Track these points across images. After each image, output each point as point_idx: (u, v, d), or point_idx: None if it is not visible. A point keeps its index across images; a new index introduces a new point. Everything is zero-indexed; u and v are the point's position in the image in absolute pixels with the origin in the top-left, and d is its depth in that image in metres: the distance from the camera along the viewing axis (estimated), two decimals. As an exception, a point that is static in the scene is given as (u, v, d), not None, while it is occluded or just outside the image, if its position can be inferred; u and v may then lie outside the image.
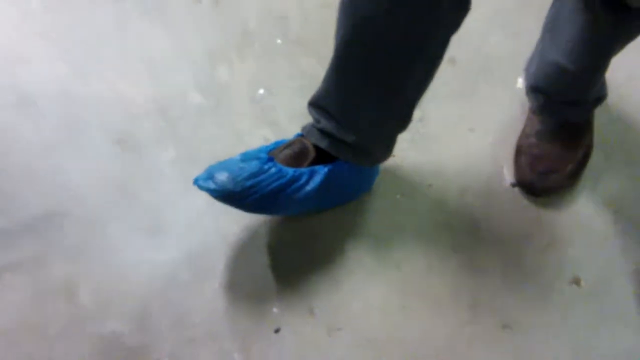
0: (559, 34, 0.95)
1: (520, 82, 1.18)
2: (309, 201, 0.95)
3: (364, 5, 0.76)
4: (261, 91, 1.21)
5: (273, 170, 0.92)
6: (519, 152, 1.08)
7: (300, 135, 0.97)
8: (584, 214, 1.04)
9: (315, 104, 0.93)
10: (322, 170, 0.95)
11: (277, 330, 0.94)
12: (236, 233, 1.03)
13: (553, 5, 0.97)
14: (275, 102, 1.18)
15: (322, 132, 0.93)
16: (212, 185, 0.88)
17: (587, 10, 0.88)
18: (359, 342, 0.92)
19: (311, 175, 0.94)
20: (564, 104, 1.03)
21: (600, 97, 1.05)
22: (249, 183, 0.89)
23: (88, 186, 1.06)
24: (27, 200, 1.02)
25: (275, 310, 0.95)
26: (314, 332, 0.93)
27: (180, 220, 1.04)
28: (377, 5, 0.74)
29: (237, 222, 1.03)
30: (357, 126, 0.91)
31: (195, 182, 0.89)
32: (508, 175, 1.09)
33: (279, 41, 1.26)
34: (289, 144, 0.96)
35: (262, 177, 0.91)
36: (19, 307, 0.93)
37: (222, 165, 0.92)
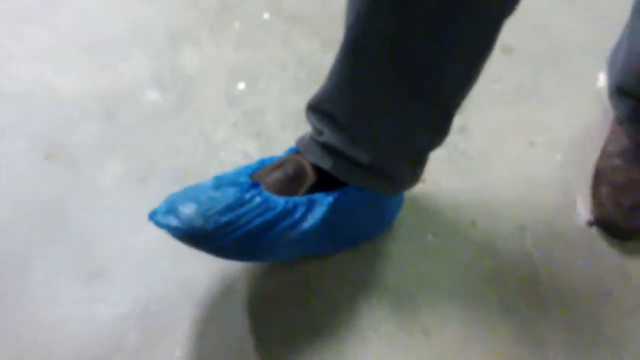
0: None
1: (602, 80, 1.21)
2: (306, 243, 0.95)
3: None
4: (241, 86, 1.24)
5: (257, 200, 0.93)
6: (598, 178, 1.10)
7: (295, 152, 0.98)
8: None
9: (317, 108, 0.95)
10: (324, 201, 0.95)
11: None
12: (204, 283, 1.05)
13: None
14: (261, 102, 1.21)
15: (326, 147, 0.95)
16: (174, 222, 0.89)
17: None
18: None
19: (310, 207, 0.95)
20: None
21: None
22: (224, 219, 0.90)
23: (6, 215, 1.09)
24: None
25: None
26: None
27: (128, 262, 1.06)
28: None
29: (206, 268, 1.05)
30: (374, 139, 0.92)
31: (152, 217, 0.90)
32: (583, 209, 1.11)
33: (266, 16, 1.31)
34: (279, 164, 0.97)
35: (243, 210, 0.92)
36: None
37: (188, 194, 0.92)
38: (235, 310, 1.05)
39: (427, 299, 1.04)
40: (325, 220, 0.96)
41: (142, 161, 1.16)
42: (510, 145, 1.16)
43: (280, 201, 0.94)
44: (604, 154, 1.11)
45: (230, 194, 0.93)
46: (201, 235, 0.90)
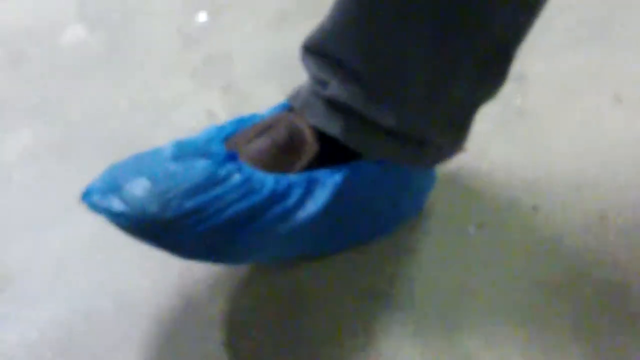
0: None
1: None
2: (301, 239, 0.94)
3: None
4: (202, 16, 1.27)
5: (237, 178, 0.90)
6: None
7: (286, 109, 0.97)
8: None
9: (318, 51, 0.94)
10: (329, 180, 0.94)
11: None
12: (153, 296, 1.02)
13: None
14: (230, 41, 1.23)
15: (333, 104, 0.93)
16: (118, 206, 0.86)
17: None
18: None
19: (309, 188, 0.93)
20: None
21: None
22: (189, 204, 0.87)
23: None
24: None
25: None
26: None
27: (43, 268, 1.04)
28: None
29: (156, 274, 1.03)
30: (399, 92, 0.91)
31: (86, 197, 0.88)
32: None
33: None
34: (264, 127, 0.96)
35: (216, 192, 0.89)
36: None
37: (138, 166, 0.91)
38: (198, 332, 1.02)
39: (468, 314, 1.01)
40: (329, 207, 0.95)
41: (60, 126, 1.16)
42: (586, 102, 1.15)
43: (268, 180, 0.93)
44: None
45: (197, 170, 0.91)
46: (156, 226, 0.88)
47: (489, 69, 0.93)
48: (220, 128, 0.98)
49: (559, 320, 1.01)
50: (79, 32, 1.20)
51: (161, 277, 1.06)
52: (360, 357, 0.98)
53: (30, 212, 1.10)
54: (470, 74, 0.92)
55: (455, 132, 0.99)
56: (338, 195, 0.95)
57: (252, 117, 1.00)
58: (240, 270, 1.05)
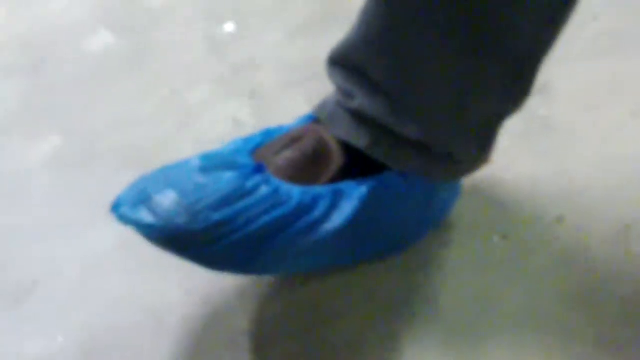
0: None
1: None
2: (329, 250, 0.95)
3: None
4: (229, 27, 1.29)
5: (264, 190, 0.92)
6: None
7: (312, 121, 0.98)
8: None
9: (344, 63, 0.94)
10: (355, 193, 0.95)
11: None
12: (177, 307, 1.03)
13: None
14: (256, 50, 1.25)
15: (359, 117, 0.94)
16: (147, 218, 0.88)
17: None
18: None
19: (335, 201, 0.95)
20: None
21: None
22: (217, 216, 0.88)
23: None
24: None
25: None
26: None
27: (67, 277, 1.05)
28: None
29: (181, 285, 1.03)
30: (426, 104, 0.92)
31: (116, 209, 0.90)
32: None
33: None
34: (292, 139, 0.97)
35: (243, 204, 0.91)
36: None
37: (166, 178, 0.92)
38: (225, 341, 1.02)
39: (494, 324, 1.01)
40: (355, 219, 0.96)
41: (83, 135, 1.17)
42: (609, 114, 1.15)
43: (294, 192, 0.94)
44: None
45: (225, 182, 0.93)
46: (185, 238, 0.90)
47: (515, 82, 0.94)
48: (247, 139, 0.99)
49: (583, 332, 1.01)
50: (105, 38, 1.23)
51: (188, 286, 1.06)
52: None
53: (55, 220, 1.10)
54: (496, 87, 0.93)
55: (481, 144, 1.00)
56: (364, 207, 0.96)
57: (279, 129, 1.01)
58: (266, 280, 1.06)
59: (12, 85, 1.21)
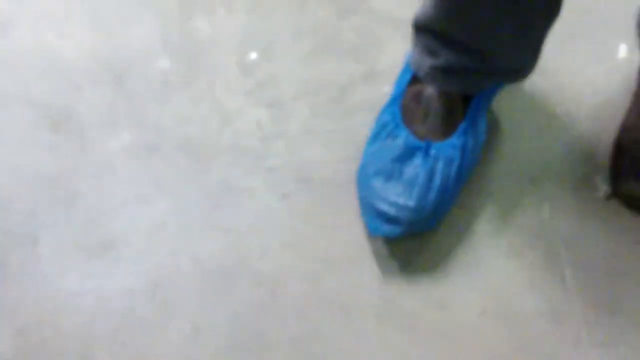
0: None
1: (623, 50, 1.27)
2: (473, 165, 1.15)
3: None
4: (254, 55, 1.31)
5: (440, 164, 1.09)
6: (618, 150, 1.15)
7: (413, 78, 1.13)
8: None
9: (429, 29, 1.05)
10: (481, 114, 1.13)
11: None
12: (214, 254, 1.12)
13: None
14: (274, 72, 1.28)
15: (448, 71, 1.07)
16: (394, 229, 1.06)
17: None
18: None
19: (475, 125, 1.12)
20: None
21: None
22: (431, 197, 1.07)
23: (11, 187, 1.17)
24: None
25: None
26: None
27: (138, 235, 1.14)
28: None
29: (216, 238, 1.13)
30: (496, 49, 1.03)
31: (374, 232, 1.08)
32: (602, 182, 1.16)
33: None
34: (427, 107, 1.12)
35: (435, 180, 1.08)
36: None
37: (375, 193, 1.08)
38: (251, 284, 1.11)
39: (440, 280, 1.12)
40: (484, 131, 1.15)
41: (152, 131, 1.23)
42: (530, 119, 1.23)
43: (454, 145, 1.10)
44: (627, 125, 1.17)
45: (417, 168, 1.08)
46: (419, 223, 1.08)
47: (554, 5, 1.00)
48: (387, 118, 1.14)
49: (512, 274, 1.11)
50: (164, 60, 1.29)
51: (223, 244, 1.15)
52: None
53: (128, 195, 1.19)
54: (541, 15, 1.01)
55: (535, 57, 1.09)
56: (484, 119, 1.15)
57: (391, 109, 1.15)
58: (294, 223, 1.17)
59: (100, 93, 1.28)
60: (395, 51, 1.31)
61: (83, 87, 1.27)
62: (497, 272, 1.12)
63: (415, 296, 1.11)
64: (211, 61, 1.30)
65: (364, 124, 1.24)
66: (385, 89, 1.28)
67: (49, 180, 1.18)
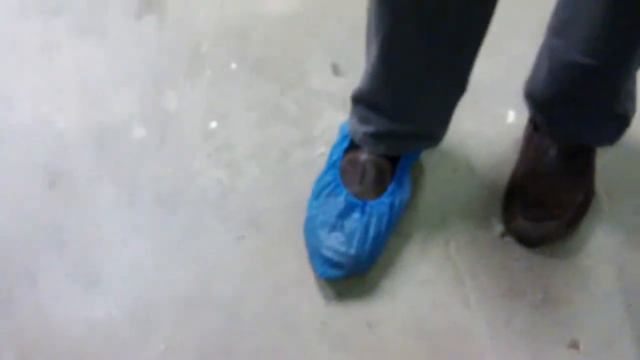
0: (575, 29, 1.03)
1: (512, 116, 1.35)
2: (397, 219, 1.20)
3: None
4: (213, 124, 1.36)
5: (375, 216, 1.13)
6: (510, 196, 1.23)
7: (350, 145, 1.18)
8: (583, 268, 1.19)
9: (363, 102, 1.10)
10: (405, 175, 1.19)
11: None
12: (186, 286, 1.17)
13: (560, 7, 1.06)
14: (230, 137, 1.34)
15: (377, 136, 1.12)
16: (338, 272, 1.12)
17: None
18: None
19: (401, 184, 1.18)
20: (586, 121, 1.15)
21: (627, 114, 1.14)
22: (367, 247, 1.13)
23: (12, 231, 1.21)
24: None
25: None
26: None
27: (121, 270, 1.19)
28: None
29: (185, 273, 1.18)
30: (418, 118, 1.08)
31: (322, 275, 1.12)
32: (497, 223, 1.23)
33: (234, 66, 1.43)
34: (362, 171, 1.16)
35: (381, 231, 1.13)
36: None
37: (317, 241, 1.13)
38: (215, 308, 1.15)
39: (370, 299, 1.17)
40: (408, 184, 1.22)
41: (130, 186, 1.27)
42: (438, 173, 1.28)
43: (385, 203, 1.14)
44: (515, 176, 1.24)
45: (355, 224, 1.12)
46: (357, 267, 1.13)
47: (462, 86, 1.07)
48: (327, 179, 1.17)
49: (425, 302, 1.16)
50: (140, 129, 1.34)
51: (191, 273, 1.20)
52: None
53: (111, 238, 1.24)
54: (452, 93, 1.08)
55: (446, 126, 1.15)
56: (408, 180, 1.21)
57: (331, 166, 1.20)
58: (245, 264, 1.21)
59: (88, 156, 1.30)
60: (328, 120, 1.37)
61: (74, 151, 1.31)
62: (414, 297, 1.18)
63: (348, 318, 1.16)
64: (179, 129, 1.35)
65: (303, 180, 1.28)
66: (320, 150, 1.34)
67: (45, 226, 1.22)
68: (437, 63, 1.02)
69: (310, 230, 1.18)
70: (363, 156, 1.18)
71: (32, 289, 1.16)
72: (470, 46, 1.02)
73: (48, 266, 1.19)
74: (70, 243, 1.21)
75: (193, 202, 1.28)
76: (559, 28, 1.09)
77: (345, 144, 1.22)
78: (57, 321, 1.13)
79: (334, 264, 1.13)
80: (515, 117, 1.36)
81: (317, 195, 1.20)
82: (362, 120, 1.13)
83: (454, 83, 1.08)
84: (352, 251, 1.12)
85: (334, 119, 1.36)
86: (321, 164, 1.28)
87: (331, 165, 1.22)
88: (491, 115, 1.37)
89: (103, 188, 1.28)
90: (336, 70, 1.43)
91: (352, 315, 1.17)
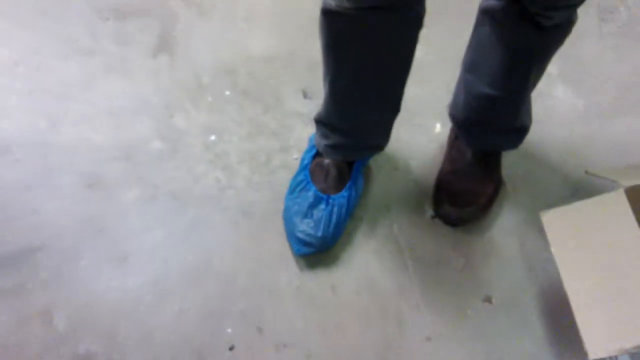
0: (482, 67, 1.08)
1: (439, 127, 1.37)
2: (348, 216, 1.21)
3: (351, 45, 0.94)
4: (213, 137, 1.36)
5: (337, 205, 1.15)
6: (438, 188, 1.26)
7: (316, 155, 1.19)
8: (494, 241, 1.23)
9: (322, 122, 1.12)
10: (359, 175, 1.19)
11: (231, 348, 1.08)
12: (194, 262, 1.18)
13: (471, 48, 1.12)
14: (226, 147, 1.34)
15: (334, 147, 1.13)
16: (312, 249, 1.14)
17: (505, 37, 1.01)
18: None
19: (355, 181, 1.18)
20: (494, 134, 1.19)
21: (525, 126, 1.18)
22: (332, 229, 1.15)
23: (61, 223, 1.22)
24: (6, 237, 1.20)
25: (229, 330, 1.10)
26: (263, 349, 1.10)
27: (144, 250, 1.20)
28: (362, 43, 0.94)
29: (193, 252, 1.20)
30: (364, 134, 1.11)
31: (298, 252, 1.14)
32: (429, 208, 1.27)
33: (227, 93, 1.43)
34: (326, 172, 1.17)
35: (335, 216, 1.14)
36: (1, 331, 1.08)
37: (292, 225, 1.15)
38: (214, 278, 1.17)
39: (334, 264, 1.19)
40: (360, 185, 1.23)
41: (150, 187, 1.29)
42: (383, 170, 1.30)
43: (344, 196, 1.16)
44: (441, 172, 1.27)
45: (318, 216, 1.14)
46: (323, 245, 1.16)
47: (397, 107, 1.10)
48: (298, 185, 1.19)
49: (375, 269, 1.20)
50: (157, 143, 1.33)
51: (196, 252, 1.20)
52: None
53: (138, 227, 1.26)
54: (390, 112, 1.11)
55: (387, 138, 1.18)
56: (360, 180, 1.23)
57: (302, 174, 1.20)
58: (234, 247, 1.22)
59: (117, 165, 1.31)
60: (299, 132, 1.40)
61: (106, 161, 1.32)
62: (366, 265, 1.22)
63: (316, 283, 1.19)
64: (187, 142, 1.36)
65: (282, 178, 1.31)
66: (294, 156, 1.36)
67: (86, 219, 1.24)
68: (373, 96, 1.05)
69: (288, 218, 1.20)
70: (326, 161, 1.21)
71: (76, 266, 1.17)
72: (399, 81, 1.06)
73: (88, 248, 1.20)
74: (105, 230, 1.22)
75: (198, 198, 1.29)
76: (469, 65, 1.14)
77: (314, 152, 1.24)
78: (97, 290, 1.15)
79: (306, 243, 1.16)
80: (441, 128, 1.38)
81: (292, 190, 1.23)
82: (323, 136, 1.16)
83: (389, 108, 1.11)
84: (320, 233, 1.15)
85: (304, 131, 1.38)
86: (296, 165, 1.30)
87: (303, 168, 1.24)
88: (423, 127, 1.39)
89: (129, 188, 1.28)
90: (305, 95, 1.44)
91: (319, 280, 1.20)
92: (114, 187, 1.29)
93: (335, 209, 1.17)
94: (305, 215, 1.17)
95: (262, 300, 1.16)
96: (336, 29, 0.94)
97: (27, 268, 1.17)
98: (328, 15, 0.92)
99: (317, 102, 1.09)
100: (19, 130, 1.36)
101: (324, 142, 1.17)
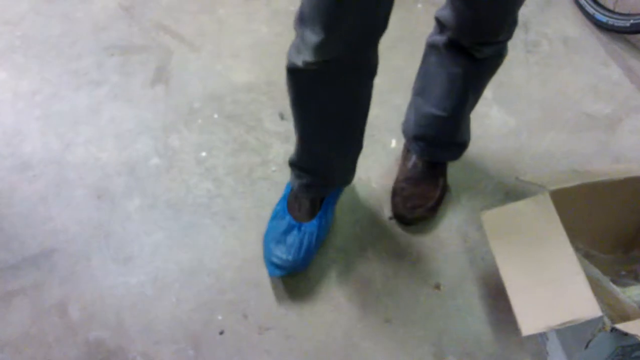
0: (428, 91, 1.10)
1: (394, 143, 1.37)
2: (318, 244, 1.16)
3: (315, 98, 0.94)
4: (203, 154, 1.35)
5: (307, 233, 1.10)
6: (394, 193, 1.26)
7: (291, 191, 1.15)
8: (441, 237, 1.23)
9: (295, 165, 1.10)
10: (330, 206, 1.16)
11: (221, 332, 1.07)
12: (188, 260, 1.18)
13: (420, 76, 1.13)
14: (215, 162, 1.33)
15: (307, 186, 1.11)
16: (281, 272, 1.09)
17: (446, 66, 1.04)
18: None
19: (326, 212, 1.15)
20: (439, 147, 1.20)
21: (465, 141, 1.20)
22: (302, 254, 1.10)
23: (74, 229, 1.22)
24: (26, 241, 1.19)
25: (219, 317, 1.09)
26: (249, 332, 1.08)
27: (145, 251, 1.18)
28: (325, 92, 0.93)
29: (188, 251, 1.19)
30: (330, 173, 1.10)
31: (272, 274, 1.10)
32: (387, 210, 1.26)
33: (215, 116, 1.43)
34: (299, 203, 1.13)
35: (305, 241, 1.10)
36: (23, 322, 1.07)
37: (269, 251, 1.10)
38: (206, 274, 1.15)
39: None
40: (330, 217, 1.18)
41: (150, 197, 1.27)
42: (352, 186, 1.28)
43: (314, 224, 1.12)
44: (397, 181, 1.26)
45: (290, 242, 1.09)
46: (298, 268, 1.12)
47: (360, 144, 1.09)
48: (277, 216, 1.14)
49: (341, 263, 1.19)
50: (156, 159, 1.32)
51: (190, 253, 1.18)
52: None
53: (140, 231, 1.24)
54: (354, 148, 1.09)
55: (353, 173, 1.16)
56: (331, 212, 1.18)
57: (281, 204, 1.16)
58: (226, 250, 1.19)
59: (120, 181, 1.29)
60: (277, 149, 1.38)
61: (112, 175, 1.31)
62: (334, 261, 1.19)
63: (293, 275, 1.16)
64: (181, 158, 1.34)
65: (262, 188, 1.31)
66: (273, 168, 1.35)
67: (95, 225, 1.22)
68: (339, 139, 1.05)
69: (266, 243, 1.16)
70: (300, 195, 1.18)
71: (87, 265, 1.16)
72: (360, 123, 1.06)
73: (97, 250, 1.19)
74: (112, 235, 1.21)
75: (191, 205, 1.28)
76: (419, 90, 1.17)
77: (291, 187, 1.22)
78: (105, 285, 1.13)
79: (278, 266, 1.12)
80: (396, 143, 1.38)
81: (273, 217, 1.20)
82: (296, 176, 1.13)
83: (353, 146, 1.11)
84: (291, 257, 1.11)
85: (281, 148, 1.38)
86: (275, 177, 1.31)
87: (283, 198, 1.21)
88: (381, 142, 1.39)
89: (132, 198, 1.27)
90: (282, 117, 1.44)
91: (295, 273, 1.16)
92: (119, 198, 1.27)
93: (306, 236, 1.13)
94: (279, 242, 1.13)
95: (247, 292, 1.15)
96: (302, 84, 0.93)
97: (45, 267, 1.15)
98: (294, 74, 0.92)
99: (292, 123, 1.04)
100: (37, 150, 1.34)
101: (297, 181, 1.14)
